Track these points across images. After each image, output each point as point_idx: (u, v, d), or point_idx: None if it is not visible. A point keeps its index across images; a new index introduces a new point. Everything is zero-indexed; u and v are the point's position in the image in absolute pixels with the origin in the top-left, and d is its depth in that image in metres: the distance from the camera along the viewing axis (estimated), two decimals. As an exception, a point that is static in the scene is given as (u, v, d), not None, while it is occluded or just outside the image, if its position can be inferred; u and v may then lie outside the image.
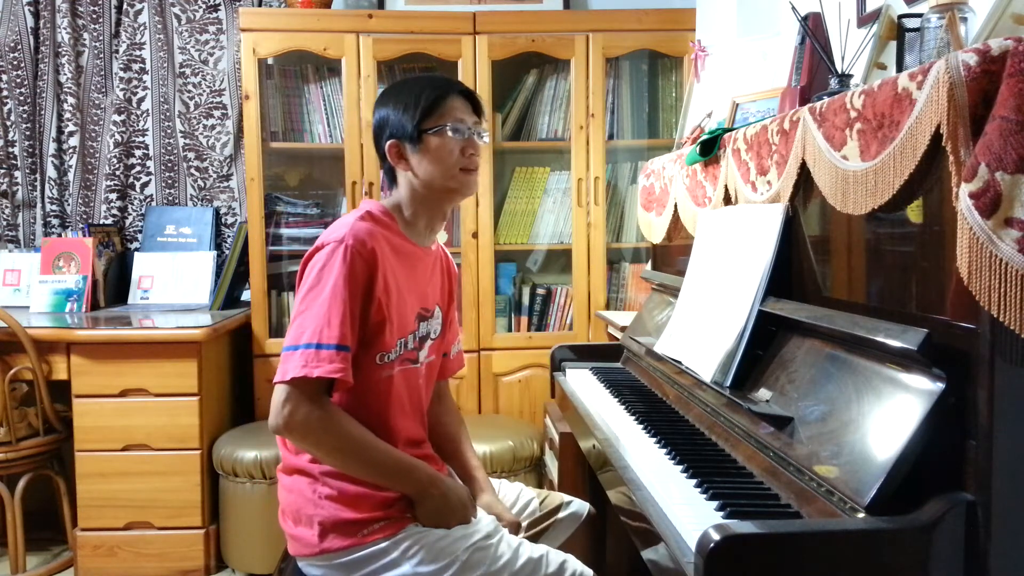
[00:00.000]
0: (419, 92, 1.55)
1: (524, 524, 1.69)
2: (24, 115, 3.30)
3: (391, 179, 1.61)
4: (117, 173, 3.32)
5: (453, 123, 1.54)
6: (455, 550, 1.46)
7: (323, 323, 1.41)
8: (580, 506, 1.79)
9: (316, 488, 1.49)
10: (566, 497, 1.80)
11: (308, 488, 1.50)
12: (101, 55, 3.31)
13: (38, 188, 3.34)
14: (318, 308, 1.42)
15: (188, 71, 3.33)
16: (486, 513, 1.62)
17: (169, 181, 3.38)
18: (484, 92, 2.98)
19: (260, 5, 3.28)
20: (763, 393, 1.40)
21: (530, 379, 3.05)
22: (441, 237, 3.12)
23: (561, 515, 1.75)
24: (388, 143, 1.56)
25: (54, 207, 3.32)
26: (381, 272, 1.48)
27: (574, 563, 1.53)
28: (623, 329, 2.44)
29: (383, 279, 1.48)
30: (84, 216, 3.34)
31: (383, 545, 1.45)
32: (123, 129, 3.32)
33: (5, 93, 3.28)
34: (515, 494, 1.75)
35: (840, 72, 1.61)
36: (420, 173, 1.55)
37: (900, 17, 1.51)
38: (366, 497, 1.47)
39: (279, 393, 1.41)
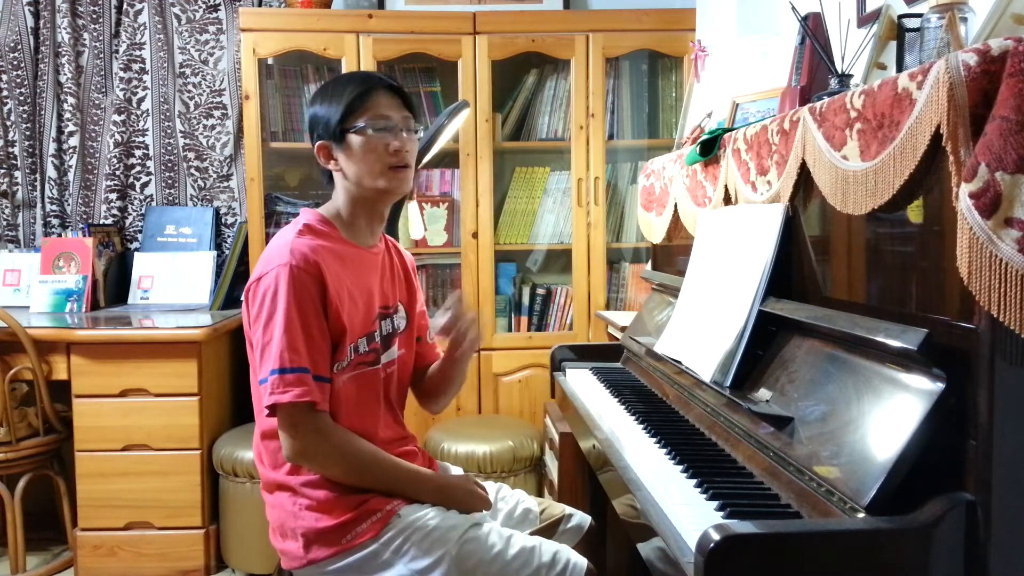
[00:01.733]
0: (342, 89, 1.52)
1: (524, 535, 1.65)
2: (24, 115, 3.30)
3: (328, 179, 1.59)
4: (117, 173, 3.32)
5: (374, 120, 1.50)
6: (446, 542, 1.45)
7: (282, 347, 1.41)
8: (582, 519, 1.77)
9: (296, 500, 1.49)
10: (567, 508, 1.77)
11: (289, 501, 1.50)
12: (101, 55, 3.31)
13: (38, 188, 3.34)
14: (277, 335, 1.42)
15: (188, 71, 3.33)
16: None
17: (169, 181, 3.38)
18: (484, 92, 2.98)
19: (260, 5, 3.28)
20: (763, 393, 1.40)
21: (530, 379, 3.05)
22: (441, 237, 3.14)
23: (563, 529, 1.73)
24: (317, 144, 1.54)
25: (54, 207, 3.32)
26: (331, 284, 1.47)
27: (567, 552, 1.53)
28: (623, 329, 2.44)
29: (334, 291, 1.47)
30: (84, 216, 3.34)
31: (372, 548, 1.45)
32: (123, 129, 3.32)
33: (5, 93, 3.28)
34: (514, 501, 1.73)
35: (840, 72, 1.61)
36: (348, 173, 1.53)
37: (900, 17, 1.51)
38: (342, 501, 1.47)
39: (279, 427, 1.44)
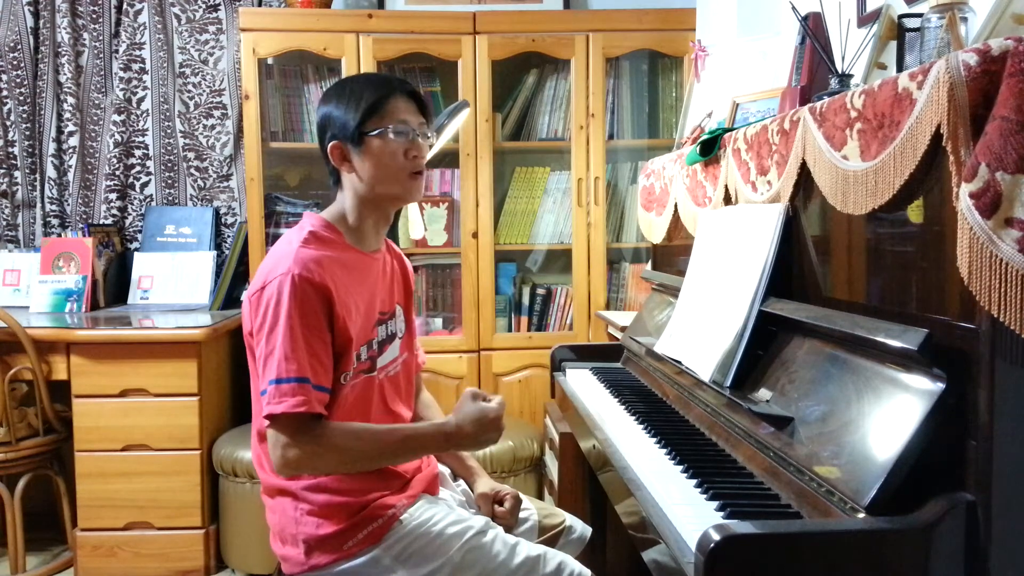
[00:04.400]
0: (361, 91, 1.50)
1: (529, 543, 1.62)
2: (24, 115, 3.30)
3: (335, 180, 1.56)
4: (117, 173, 3.32)
5: (396, 125, 1.49)
6: (448, 549, 1.45)
7: (280, 357, 1.38)
8: (584, 529, 1.76)
9: (297, 505, 1.48)
10: (568, 518, 1.76)
11: (291, 506, 1.49)
12: (101, 55, 3.31)
13: (38, 188, 3.33)
14: (276, 344, 1.39)
15: (188, 71, 3.33)
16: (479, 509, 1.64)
17: (169, 181, 3.38)
18: (484, 92, 2.98)
19: (260, 5, 3.28)
20: (763, 393, 1.40)
21: (530, 379, 3.05)
22: (441, 237, 3.13)
23: (564, 541, 1.72)
24: (330, 144, 1.51)
25: (54, 207, 3.32)
26: (337, 297, 1.44)
27: (572, 563, 1.52)
28: (623, 329, 2.44)
29: (340, 303, 1.45)
30: (84, 216, 3.34)
31: (373, 554, 1.45)
32: (123, 129, 3.32)
33: (5, 93, 3.27)
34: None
35: (840, 72, 1.61)
36: (363, 176, 1.51)
37: (900, 17, 1.51)
38: (343, 507, 1.46)
39: (270, 437, 1.41)
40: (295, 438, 1.38)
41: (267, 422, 1.40)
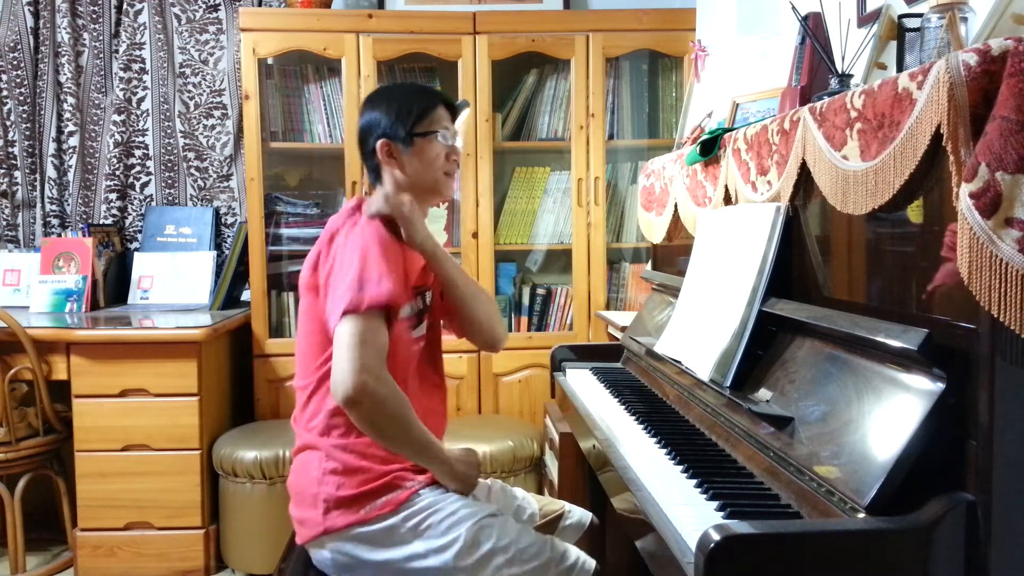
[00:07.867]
0: (412, 99, 1.66)
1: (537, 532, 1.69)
2: (24, 115, 3.30)
3: (376, 176, 1.68)
4: (117, 173, 3.32)
5: (441, 130, 1.65)
6: (461, 526, 1.50)
7: (360, 269, 1.47)
8: (583, 515, 1.80)
9: (322, 464, 1.52)
10: (567, 505, 1.81)
11: (315, 464, 1.53)
12: (101, 55, 3.31)
13: (38, 188, 3.33)
14: (352, 264, 1.49)
15: (188, 71, 3.33)
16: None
17: (169, 181, 3.38)
18: (484, 92, 2.98)
19: (260, 5, 3.28)
20: (763, 393, 1.40)
21: (530, 379, 3.05)
22: (441, 237, 3.13)
23: (565, 524, 1.77)
24: (379, 142, 1.63)
25: (54, 207, 3.32)
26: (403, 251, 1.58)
27: (578, 550, 1.58)
28: (623, 329, 2.44)
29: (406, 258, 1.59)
30: (84, 216, 3.34)
31: (390, 522, 1.49)
32: (123, 129, 3.32)
33: (5, 93, 3.27)
34: (511, 499, 1.75)
35: (840, 72, 1.61)
36: (408, 172, 1.64)
37: (900, 17, 1.51)
38: (367, 471, 1.51)
39: (345, 339, 1.43)
40: (374, 337, 1.44)
41: (342, 321, 1.44)
